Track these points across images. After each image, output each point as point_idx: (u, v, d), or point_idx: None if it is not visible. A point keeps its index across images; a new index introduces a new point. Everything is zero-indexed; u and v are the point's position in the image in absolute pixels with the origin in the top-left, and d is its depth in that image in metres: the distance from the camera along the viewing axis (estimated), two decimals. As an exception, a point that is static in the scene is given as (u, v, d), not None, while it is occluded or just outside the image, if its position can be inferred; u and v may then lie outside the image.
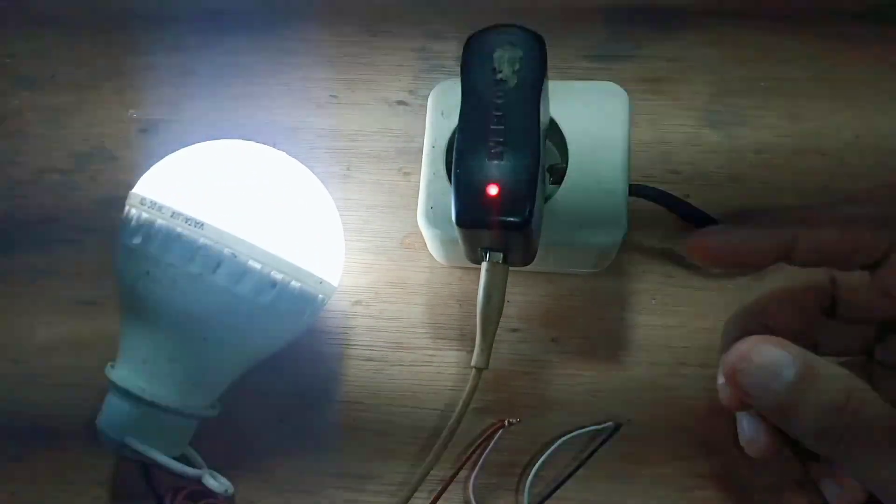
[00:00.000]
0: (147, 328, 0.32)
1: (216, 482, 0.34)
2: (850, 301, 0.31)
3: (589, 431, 0.35)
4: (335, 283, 0.35)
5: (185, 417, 0.33)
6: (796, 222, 0.28)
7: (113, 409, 0.32)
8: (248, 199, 0.32)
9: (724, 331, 0.33)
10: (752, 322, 0.32)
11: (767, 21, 0.43)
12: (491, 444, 0.35)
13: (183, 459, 0.33)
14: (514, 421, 0.35)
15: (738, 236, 0.29)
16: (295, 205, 0.33)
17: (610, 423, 0.34)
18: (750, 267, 0.30)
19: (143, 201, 0.32)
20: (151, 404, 0.32)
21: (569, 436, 0.35)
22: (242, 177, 0.33)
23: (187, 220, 0.31)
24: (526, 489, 0.34)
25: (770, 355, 0.27)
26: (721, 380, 0.28)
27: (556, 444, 0.35)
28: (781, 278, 0.33)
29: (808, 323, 0.32)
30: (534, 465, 0.34)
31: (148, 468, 0.33)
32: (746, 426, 0.31)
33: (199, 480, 0.33)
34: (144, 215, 0.31)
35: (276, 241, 0.31)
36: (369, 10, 0.45)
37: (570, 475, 0.34)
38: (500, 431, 0.35)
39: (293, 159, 0.35)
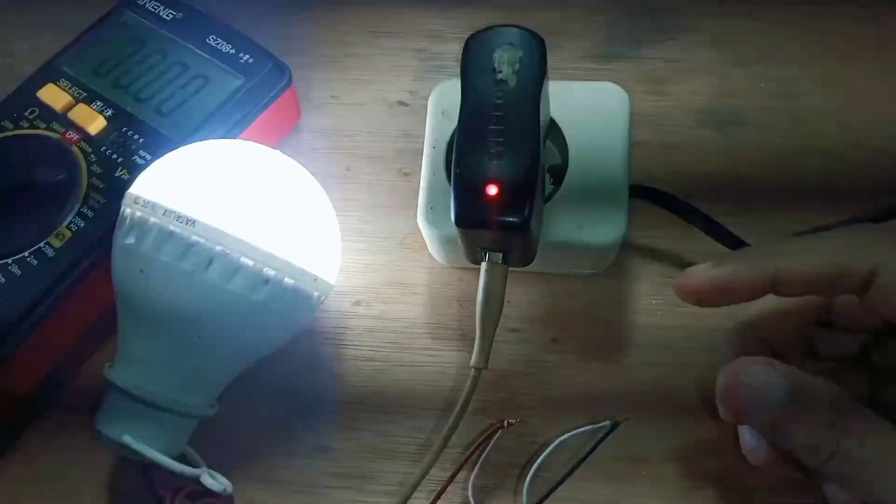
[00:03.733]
0: (143, 327, 0.32)
1: (215, 481, 0.34)
2: (843, 313, 0.32)
3: (587, 431, 0.35)
4: (332, 281, 0.34)
5: (183, 417, 0.33)
6: (777, 255, 0.28)
7: (111, 409, 0.32)
8: (241, 196, 0.32)
9: (723, 345, 0.33)
10: (748, 335, 0.32)
11: (768, 23, 0.43)
12: (490, 445, 0.35)
13: (182, 459, 0.33)
14: (514, 421, 0.35)
15: (721, 275, 0.28)
16: (288, 201, 0.33)
17: (607, 422, 0.34)
18: (739, 302, 0.30)
19: (137, 200, 0.32)
20: (149, 403, 0.32)
21: (567, 435, 0.35)
22: (235, 175, 0.33)
23: (179, 217, 0.31)
24: (525, 489, 0.34)
25: (759, 376, 0.27)
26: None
27: (554, 444, 0.35)
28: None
29: (805, 333, 0.32)
30: (532, 465, 0.34)
31: (147, 468, 0.33)
32: (748, 437, 0.31)
33: (197, 480, 0.33)
34: (138, 214, 0.32)
35: (269, 238, 0.31)
36: (370, 10, 0.45)
37: (568, 474, 0.34)
38: (500, 432, 0.35)
39: (287, 157, 0.34)
